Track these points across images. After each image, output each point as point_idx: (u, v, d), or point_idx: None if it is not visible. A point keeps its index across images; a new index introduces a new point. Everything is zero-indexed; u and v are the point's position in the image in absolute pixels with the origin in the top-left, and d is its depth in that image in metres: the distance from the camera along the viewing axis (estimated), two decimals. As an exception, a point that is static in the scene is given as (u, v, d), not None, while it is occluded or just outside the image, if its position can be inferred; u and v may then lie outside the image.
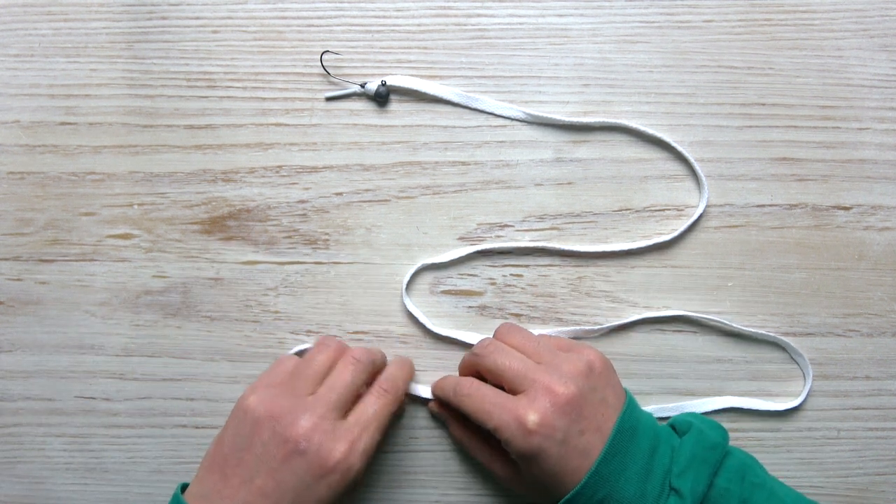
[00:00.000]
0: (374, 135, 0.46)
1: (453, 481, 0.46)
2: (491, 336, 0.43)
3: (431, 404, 0.45)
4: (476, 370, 0.42)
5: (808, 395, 0.46)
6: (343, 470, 0.37)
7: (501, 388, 0.40)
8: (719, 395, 0.46)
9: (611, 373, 0.40)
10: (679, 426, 0.41)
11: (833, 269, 0.46)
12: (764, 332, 0.45)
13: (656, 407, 0.45)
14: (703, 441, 0.39)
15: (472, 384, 0.40)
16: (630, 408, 0.39)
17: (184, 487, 0.39)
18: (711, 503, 0.37)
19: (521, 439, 0.37)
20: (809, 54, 0.45)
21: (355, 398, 0.40)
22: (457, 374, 0.46)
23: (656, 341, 0.46)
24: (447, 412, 0.45)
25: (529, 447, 0.37)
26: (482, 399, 0.39)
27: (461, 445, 0.45)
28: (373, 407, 0.40)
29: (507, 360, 0.40)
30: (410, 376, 0.44)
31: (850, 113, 0.45)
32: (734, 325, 0.45)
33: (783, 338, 0.45)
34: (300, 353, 0.46)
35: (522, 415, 0.37)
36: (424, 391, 0.45)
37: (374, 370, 0.42)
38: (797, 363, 0.46)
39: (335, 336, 0.46)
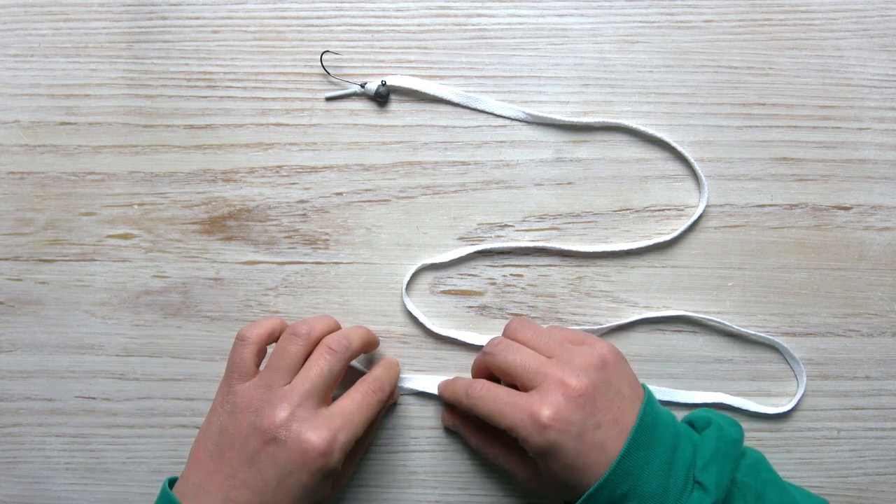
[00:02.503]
0: (374, 135, 0.46)
1: (453, 481, 0.46)
2: (499, 335, 0.43)
3: (444, 417, 0.45)
4: (488, 370, 0.42)
5: (801, 399, 0.46)
6: (322, 459, 0.37)
7: (515, 386, 0.39)
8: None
9: (624, 365, 0.40)
10: (697, 422, 0.40)
11: (833, 269, 0.46)
12: (763, 333, 0.45)
13: None
14: (725, 436, 0.38)
15: (483, 385, 0.40)
16: (650, 402, 0.39)
17: (172, 481, 0.39)
18: (731, 497, 0.37)
19: (536, 435, 0.36)
20: (809, 54, 0.45)
21: (332, 386, 0.40)
22: (459, 374, 0.46)
23: (656, 341, 0.46)
24: (461, 421, 0.45)
25: (546, 442, 0.36)
26: (494, 399, 0.38)
27: (481, 452, 0.44)
28: (357, 403, 0.40)
29: (518, 357, 0.39)
30: (396, 378, 0.44)
31: (850, 113, 0.45)
32: (734, 325, 0.45)
33: (783, 338, 0.45)
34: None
35: (536, 410, 0.36)
36: (418, 383, 0.45)
37: (352, 354, 0.41)
38: (791, 367, 0.46)
39: (304, 321, 0.41)
